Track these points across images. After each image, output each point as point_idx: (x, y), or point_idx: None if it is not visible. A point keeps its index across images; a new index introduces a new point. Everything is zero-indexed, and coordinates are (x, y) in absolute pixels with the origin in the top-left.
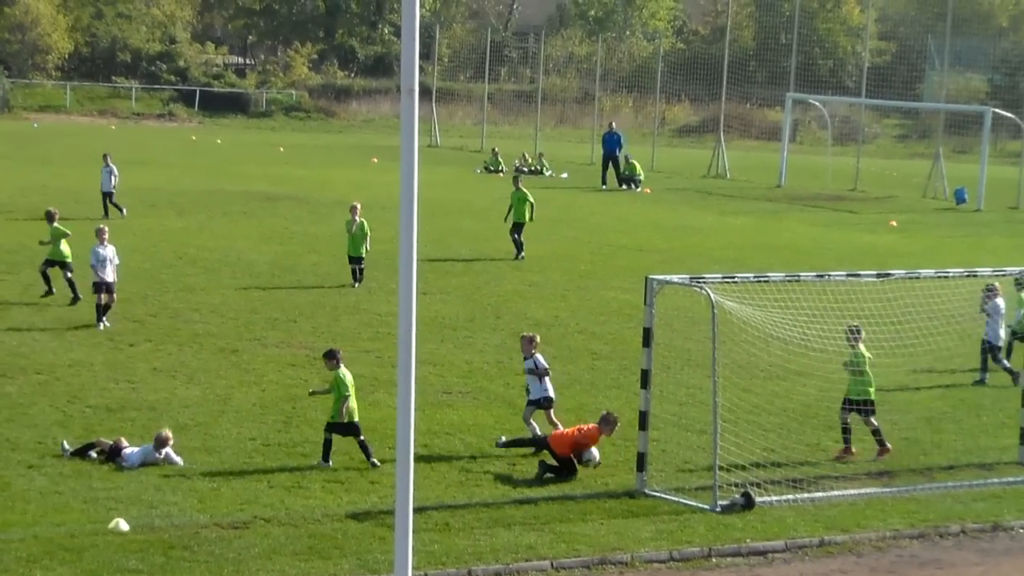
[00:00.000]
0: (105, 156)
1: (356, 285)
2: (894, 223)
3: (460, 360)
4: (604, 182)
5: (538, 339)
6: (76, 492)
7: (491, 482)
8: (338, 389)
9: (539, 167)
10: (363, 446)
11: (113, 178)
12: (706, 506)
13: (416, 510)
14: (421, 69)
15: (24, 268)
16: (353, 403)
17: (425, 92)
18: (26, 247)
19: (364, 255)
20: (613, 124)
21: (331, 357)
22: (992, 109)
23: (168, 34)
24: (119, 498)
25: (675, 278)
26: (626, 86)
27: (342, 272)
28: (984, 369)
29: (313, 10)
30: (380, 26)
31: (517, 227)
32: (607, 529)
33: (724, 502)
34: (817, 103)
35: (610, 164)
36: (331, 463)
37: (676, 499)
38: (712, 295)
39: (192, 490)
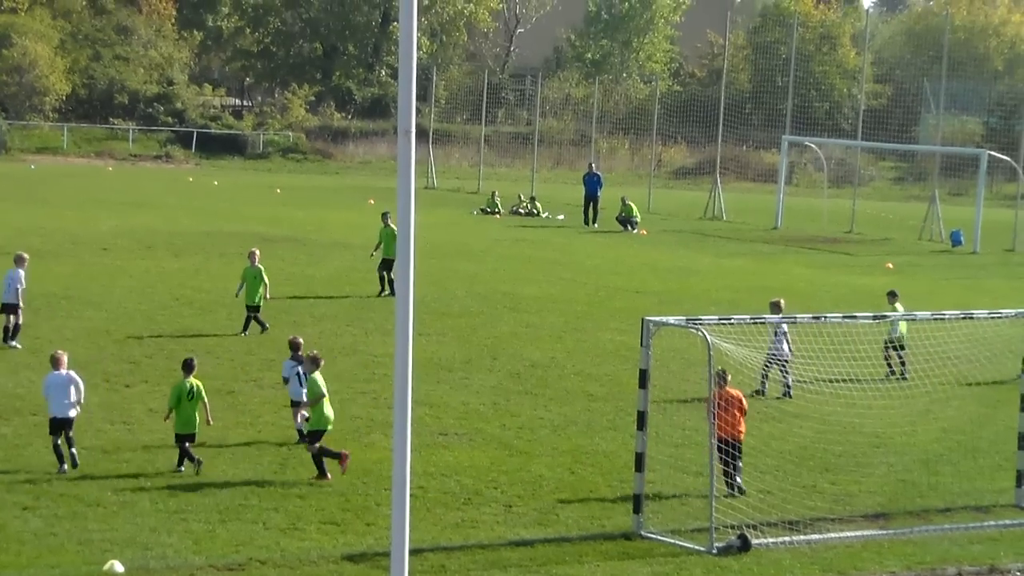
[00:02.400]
0: None
1: (245, 334)
2: (890, 265)
3: (456, 401)
4: (586, 222)
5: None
6: (71, 533)
7: (487, 524)
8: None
9: (534, 210)
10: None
11: None
12: (702, 548)
13: (412, 552)
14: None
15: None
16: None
17: (422, 134)
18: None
19: (260, 304)
20: (593, 165)
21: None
22: (988, 152)
23: (166, 76)
24: (114, 540)
25: (671, 320)
26: (623, 128)
27: (339, 313)
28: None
29: (310, 52)
30: (377, 68)
31: (386, 263)
32: (603, 571)
33: (720, 544)
34: (813, 145)
35: (591, 205)
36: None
37: (672, 541)
38: (708, 337)
39: (187, 532)
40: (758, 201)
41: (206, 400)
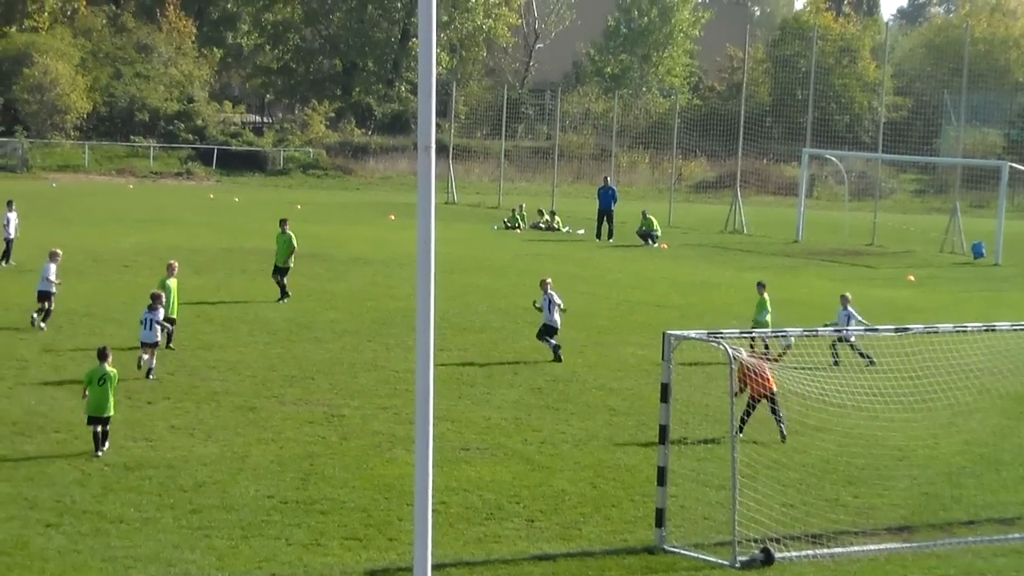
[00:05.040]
0: (10, 203)
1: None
2: (912, 278)
3: (478, 416)
4: (599, 236)
5: None
6: (94, 551)
7: (510, 539)
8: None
9: (554, 224)
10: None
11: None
12: (726, 562)
13: (434, 567)
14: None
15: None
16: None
17: (442, 149)
18: None
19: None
20: (608, 178)
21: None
22: (1009, 164)
23: (186, 93)
24: (137, 556)
25: (693, 333)
26: (643, 142)
27: (360, 329)
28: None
29: (330, 69)
30: (397, 84)
31: (279, 270)
32: None
33: (744, 558)
34: (834, 158)
35: (605, 219)
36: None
37: (695, 555)
38: (730, 350)
39: (211, 548)
40: (779, 214)
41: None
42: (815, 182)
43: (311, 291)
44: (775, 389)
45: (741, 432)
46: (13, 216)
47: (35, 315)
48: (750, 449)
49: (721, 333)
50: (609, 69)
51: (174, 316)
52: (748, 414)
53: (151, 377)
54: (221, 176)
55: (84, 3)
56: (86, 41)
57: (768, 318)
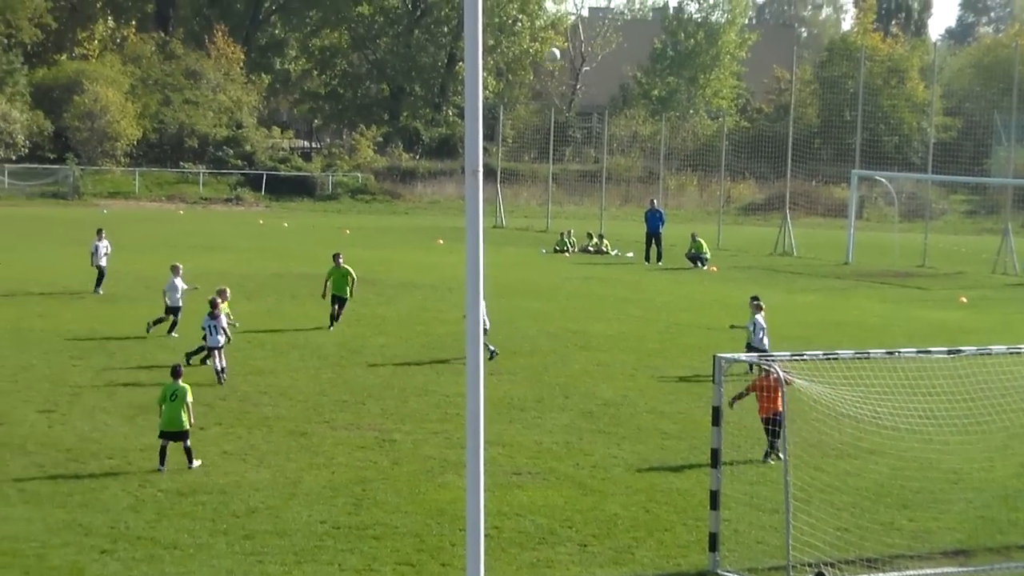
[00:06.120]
0: (99, 231)
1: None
2: (964, 299)
3: (529, 440)
4: (647, 259)
5: None
6: None
7: (563, 563)
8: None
9: (603, 247)
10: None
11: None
12: None
13: None
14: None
15: (94, 354)
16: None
17: (490, 173)
18: (96, 332)
19: (347, 296)
20: (654, 201)
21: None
22: None
23: (235, 119)
24: None
25: (744, 356)
26: (690, 165)
27: (410, 353)
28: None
29: (378, 94)
30: (444, 108)
31: (338, 299)
32: None
33: None
34: (883, 179)
35: (653, 241)
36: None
37: None
38: (781, 373)
39: (264, 574)
40: (828, 236)
41: (190, 402)
42: (865, 203)
43: (361, 316)
44: (782, 410)
45: (768, 456)
46: (103, 244)
47: (151, 323)
48: (803, 473)
49: (772, 355)
50: (656, 92)
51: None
52: (773, 434)
53: (223, 377)
54: (270, 202)
55: (133, 30)
56: (136, 68)
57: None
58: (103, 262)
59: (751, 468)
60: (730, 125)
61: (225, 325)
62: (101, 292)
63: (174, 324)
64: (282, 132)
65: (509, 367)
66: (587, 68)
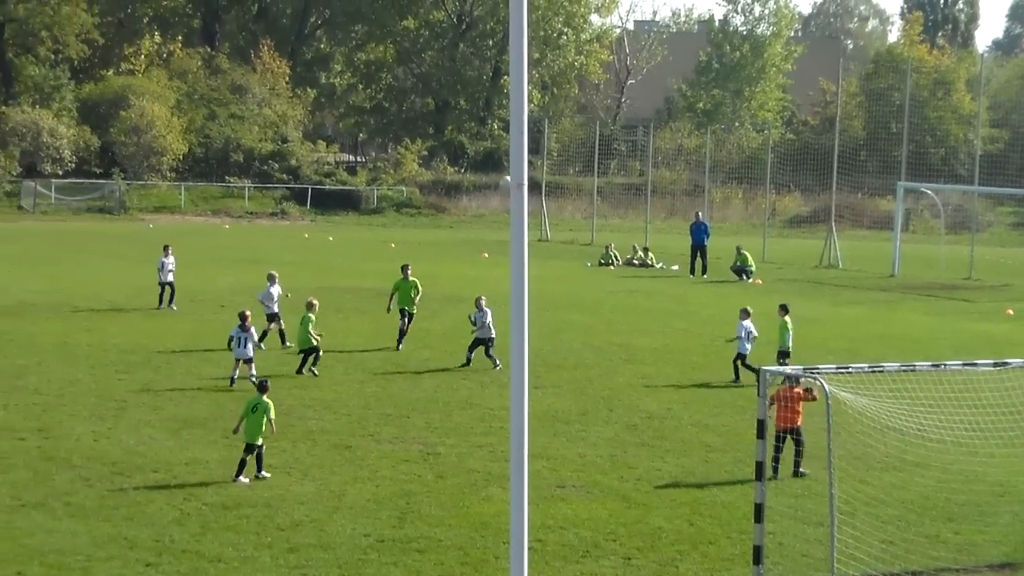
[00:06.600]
0: (166, 247)
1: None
2: (1011, 311)
3: (573, 454)
4: (692, 272)
5: None
6: None
7: None
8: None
9: (648, 261)
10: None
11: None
12: None
13: None
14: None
15: (140, 368)
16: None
17: (535, 186)
18: (142, 347)
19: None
20: (699, 214)
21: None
22: None
23: (280, 134)
24: None
25: (788, 369)
26: (735, 177)
27: (454, 366)
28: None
29: (423, 107)
30: (489, 122)
31: (405, 314)
32: None
33: None
34: (929, 192)
35: (698, 254)
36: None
37: None
38: (826, 386)
39: None
40: (874, 248)
41: (271, 417)
42: (911, 216)
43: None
44: (801, 424)
45: (776, 475)
46: (169, 260)
47: (276, 336)
48: (848, 485)
49: (817, 368)
50: (701, 104)
51: (313, 345)
52: (779, 451)
53: (254, 380)
54: (315, 215)
55: (179, 46)
56: (181, 83)
57: (790, 341)
58: (170, 278)
59: (796, 481)
60: (775, 137)
61: (256, 338)
62: (175, 308)
63: (282, 334)
64: (327, 146)
65: (553, 380)
66: (632, 81)
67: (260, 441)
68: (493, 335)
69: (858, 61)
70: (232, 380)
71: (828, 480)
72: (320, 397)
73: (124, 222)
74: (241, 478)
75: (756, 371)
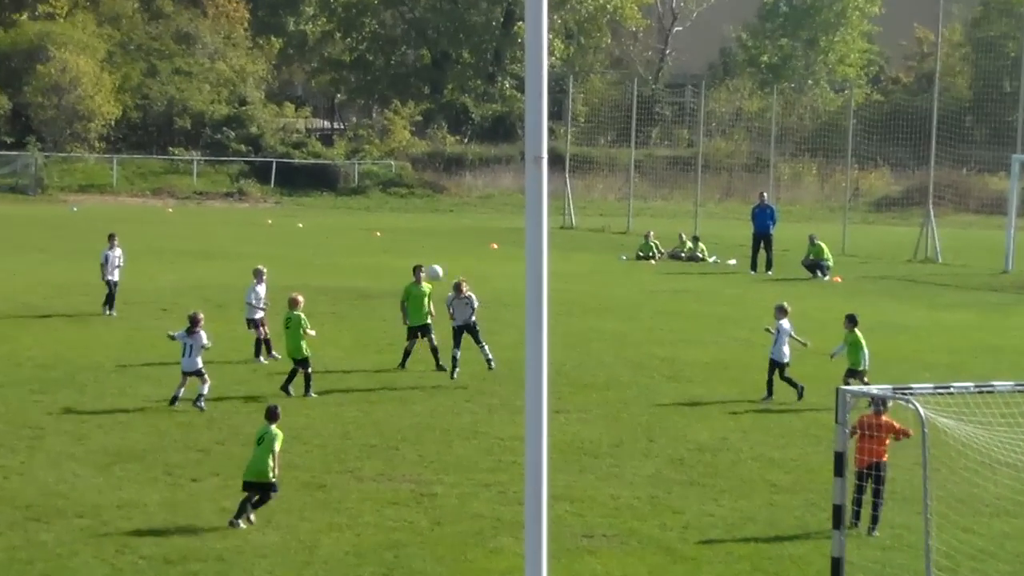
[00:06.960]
0: (111, 237)
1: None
2: None
3: (604, 495)
4: (754, 267)
5: None
6: None
7: None
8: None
9: (698, 253)
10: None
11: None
12: None
13: None
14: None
15: (61, 387)
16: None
17: (556, 160)
18: (65, 360)
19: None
20: (764, 196)
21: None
22: None
23: (237, 94)
24: None
25: (874, 389)
26: (808, 149)
27: (455, 385)
28: (770, 389)
29: (416, 61)
30: (499, 79)
31: (418, 330)
32: None
33: None
34: None
35: (762, 245)
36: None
37: None
38: (922, 410)
39: None
40: (982, 238)
41: (277, 450)
42: None
43: (394, 339)
44: (886, 460)
45: (857, 522)
46: (116, 254)
47: (262, 347)
48: (949, 535)
49: (911, 388)
50: (766, 57)
51: (306, 356)
52: (861, 491)
53: (201, 406)
54: (281, 196)
55: None
56: (114, 31)
57: (867, 360)
58: (115, 276)
59: (883, 529)
60: (859, 99)
61: (205, 343)
62: (114, 313)
63: (267, 343)
64: (296, 110)
65: (580, 403)
66: (679, 28)
67: (268, 479)
68: (474, 318)
69: (963, 4)
70: (174, 399)
71: (924, 528)
72: (288, 423)
73: (41, 204)
74: (240, 522)
75: (797, 387)
